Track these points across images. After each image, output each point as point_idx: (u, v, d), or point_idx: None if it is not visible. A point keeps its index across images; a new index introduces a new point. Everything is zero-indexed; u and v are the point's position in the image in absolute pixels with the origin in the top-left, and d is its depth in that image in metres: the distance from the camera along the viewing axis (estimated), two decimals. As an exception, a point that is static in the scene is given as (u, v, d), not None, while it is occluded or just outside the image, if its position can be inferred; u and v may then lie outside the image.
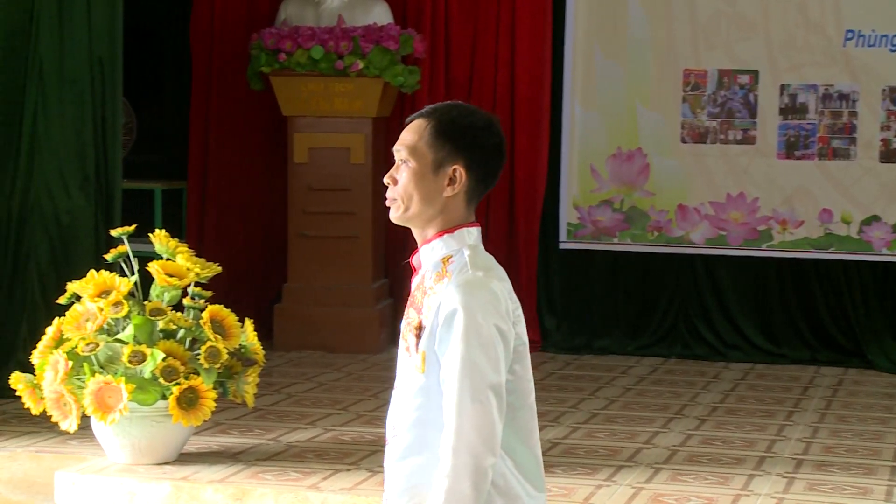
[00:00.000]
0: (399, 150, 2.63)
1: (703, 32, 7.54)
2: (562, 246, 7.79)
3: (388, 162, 7.90)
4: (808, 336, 7.49)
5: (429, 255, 2.63)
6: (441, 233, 2.62)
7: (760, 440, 5.61)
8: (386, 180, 2.64)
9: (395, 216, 2.64)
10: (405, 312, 2.65)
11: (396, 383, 2.65)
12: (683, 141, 7.60)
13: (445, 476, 2.47)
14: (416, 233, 2.66)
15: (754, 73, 7.51)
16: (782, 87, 7.49)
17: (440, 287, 2.56)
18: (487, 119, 2.64)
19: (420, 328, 2.57)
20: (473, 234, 2.64)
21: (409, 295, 2.68)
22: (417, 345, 2.57)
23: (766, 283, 7.59)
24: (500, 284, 2.58)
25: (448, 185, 2.60)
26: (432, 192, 2.60)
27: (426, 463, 2.55)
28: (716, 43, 7.53)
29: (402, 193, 2.61)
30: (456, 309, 2.51)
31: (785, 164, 7.49)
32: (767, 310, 7.57)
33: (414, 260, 2.68)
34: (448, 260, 2.60)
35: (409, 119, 2.68)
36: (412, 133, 2.62)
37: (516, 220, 7.73)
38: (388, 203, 2.65)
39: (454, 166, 2.60)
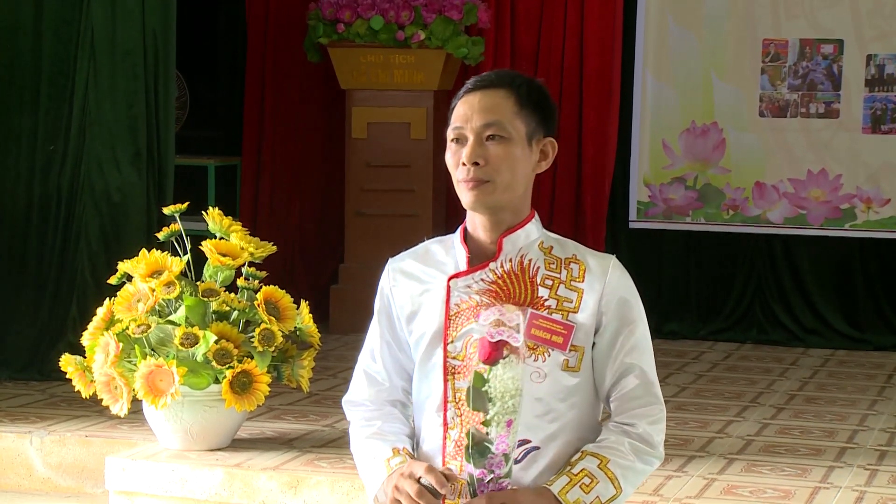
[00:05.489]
0: (487, 125, 2.40)
1: (784, 0, 7.32)
2: (631, 225, 7.63)
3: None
4: (894, 321, 7.28)
5: (521, 240, 2.42)
6: (531, 214, 2.44)
7: (841, 430, 5.47)
8: (470, 159, 2.40)
9: (487, 200, 2.39)
10: (490, 310, 2.36)
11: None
12: (762, 115, 7.40)
13: (653, 460, 2.44)
14: (496, 217, 2.41)
15: (839, 43, 7.29)
16: (869, 58, 7.26)
17: (583, 276, 2.39)
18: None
19: (570, 324, 2.36)
20: None
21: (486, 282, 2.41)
22: (567, 341, 2.36)
23: (848, 265, 7.40)
24: None
25: (541, 160, 2.43)
26: (527, 168, 2.41)
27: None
28: (797, 11, 7.31)
29: (497, 172, 2.38)
30: (627, 298, 2.44)
31: (870, 138, 7.28)
32: (850, 293, 7.37)
33: (486, 245, 2.43)
34: (545, 246, 2.42)
35: (471, 90, 2.44)
36: (496, 103, 2.40)
37: (583, 198, 7.55)
38: (471, 186, 2.40)
39: (547, 139, 2.43)
